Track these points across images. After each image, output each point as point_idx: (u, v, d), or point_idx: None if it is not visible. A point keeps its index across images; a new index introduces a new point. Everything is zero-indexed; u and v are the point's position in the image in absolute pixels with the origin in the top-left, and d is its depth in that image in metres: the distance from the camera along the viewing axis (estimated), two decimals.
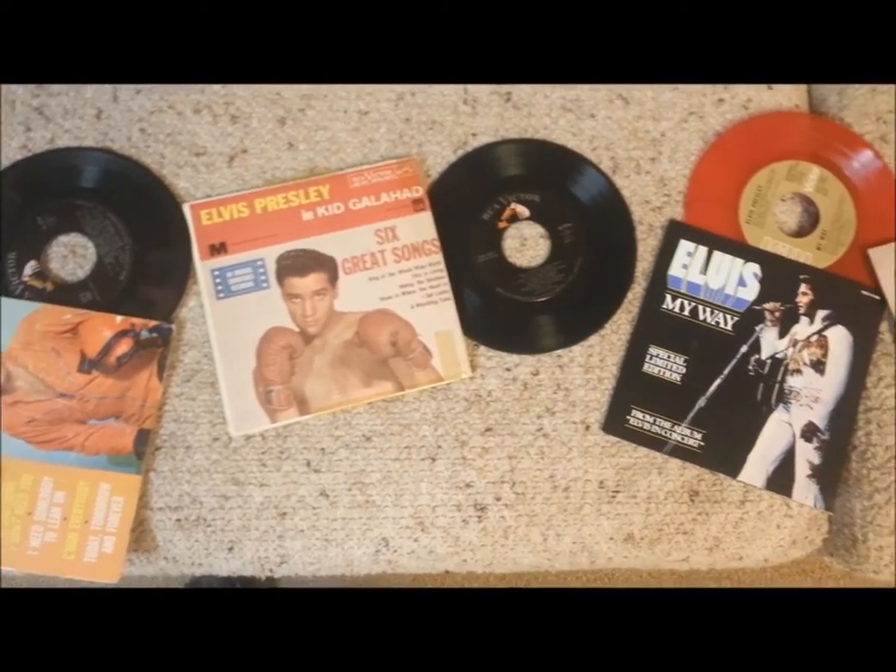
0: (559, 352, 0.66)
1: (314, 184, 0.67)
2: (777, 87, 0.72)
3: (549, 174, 0.69)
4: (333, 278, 0.65)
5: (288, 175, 0.68)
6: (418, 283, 0.65)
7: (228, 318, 0.64)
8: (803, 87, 0.74)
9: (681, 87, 0.72)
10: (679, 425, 0.65)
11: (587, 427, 0.66)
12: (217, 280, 0.65)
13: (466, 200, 0.68)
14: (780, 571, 1.18)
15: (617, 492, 0.65)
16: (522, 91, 0.71)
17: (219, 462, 0.64)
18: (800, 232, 0.70)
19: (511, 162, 0.69)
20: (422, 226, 0.66)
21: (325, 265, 0.65)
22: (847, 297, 0.67)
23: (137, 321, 0.64)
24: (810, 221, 0.70)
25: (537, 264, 0.68)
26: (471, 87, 0.70)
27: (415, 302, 0.65)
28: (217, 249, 0.65)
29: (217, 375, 0.64)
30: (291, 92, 0.70)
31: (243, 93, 0.69)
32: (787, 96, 0.72)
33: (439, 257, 0.66)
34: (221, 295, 0.64)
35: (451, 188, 0.68)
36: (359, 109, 0.70)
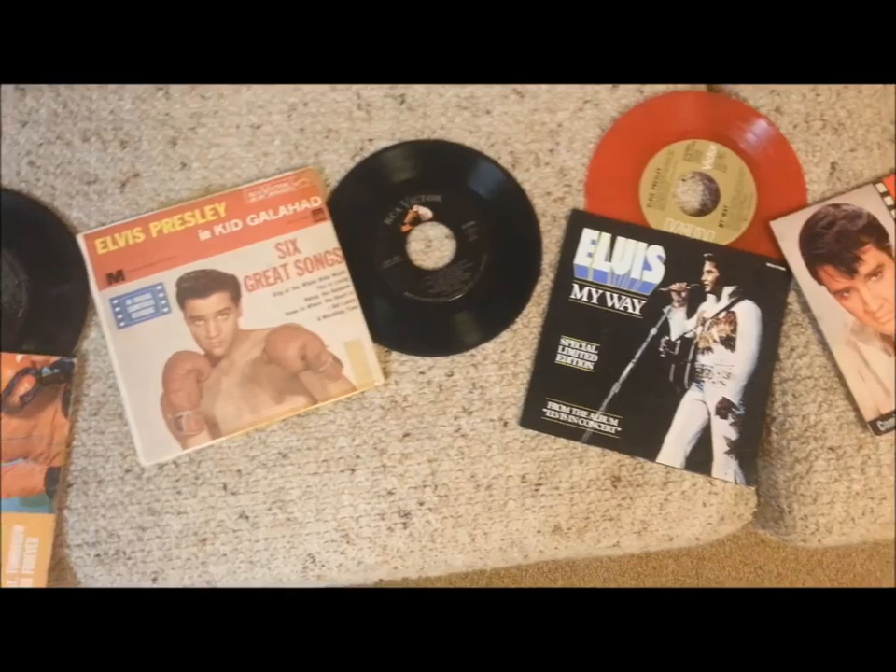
0: (472, 351, 0.66)
1: (209, 202, 0.66)
2: None
3: (448, 173, 0.69)
4: (236, 297, 0.64)
5: (184, 195, 0.67)
6: (323, 294, 0.65)
7: (130, 347, 0.63)
8: None
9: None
10: (596, 412, 0.65)
11: (505, 424, 0.65)
12: (117, 309, 0.63)
13: (367, 206, 0.68)
14: (732, 545, 1.20)
15: (540, 485, 0.65)
16: (416, 92, 0.70)
17: (133, 493, 0.63)
18: (703, 211, 0.70)
19: (409, 165, 0.69)
20: (323, 236, 0.66)
21: (226, 284, 0.64)
22: (752, 271, 0.68)
23: (38, 358, 0.63)
24: (712, 199, 0.70)
25: (443, 265, 0.68)
26: (365, 92, 0.70)
27: (322, 314, 0.64)
28: (115, 278, 0.64)
29: (124, 406, 0.62)
30: (181, 112, 0.68)
31: (130, 117, 0.68)
32: None
33: (342, 266, 0.65)
34: (122, 324, 0.63)
35: (350, 195, 0.68)
36: (252, 123, 0.69)
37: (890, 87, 0.72)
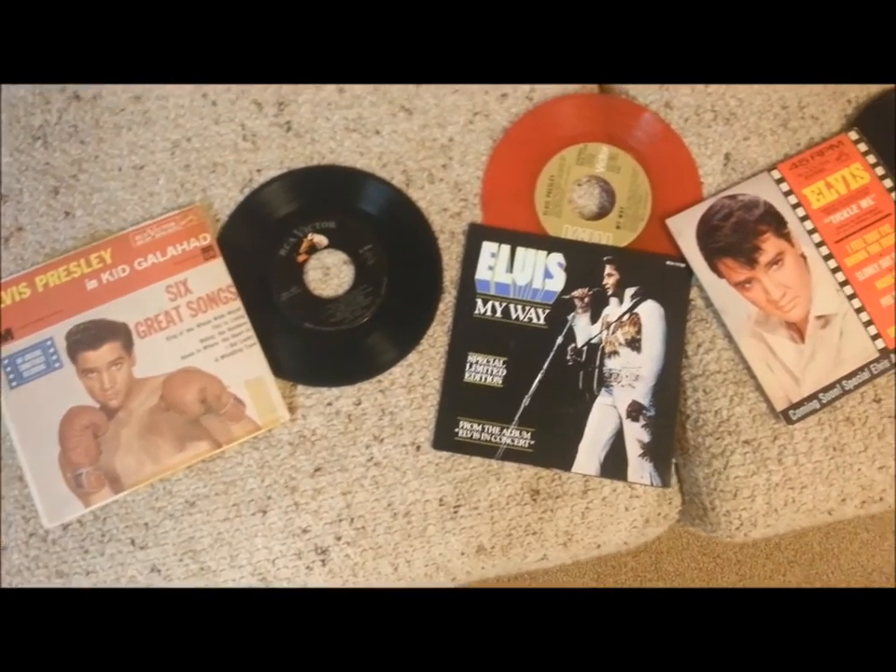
0: (379, 377, 0.65)
1: (95, 250, 0.64)
2: None
3: (340, 198, 0.68)
4: (128, 345, 0.62)
5: (69, 245, 0.65)
6: (220, 334, 0.63)
7: (24, 407, 0.61)
8: None
9: (462, 88, 0.71)
10: (508, 427, 0.65)
11: (418, 448, 0.64)
12: (8, 369, 0.62)
13: (259, 239, 0.66)
14: (690, 536, 1.20)
15: (458, 506, 0.64)
16: (301, 118, 0.69)
17: (39, 557, 0.61)
18: (602, 214, 0.70)
19: (299, 193, 0.68)
20: (215, 274, 0.64)
21: (117, 333, 0.62)
22: (652, 270, 0.67)
23: None
24: (609, 201, 0.70)
25: (343, 292, 0.66)
26: (249, 122, 0.69)
27: (220, 354, 0.63)
28: (3, 337, 0.62)
29: (23, 468, 0.60)
30: (61, 160, 0.67)
31: (9, 170, 0.66)
32: None
33: (237, 303, 0.64)
34: (14, 384, 0.61)
35: (241, 229, 0.66)
36: (134, 164, 0.67)
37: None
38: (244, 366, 0.63)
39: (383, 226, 0.67)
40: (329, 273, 0.67)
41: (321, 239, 0.67)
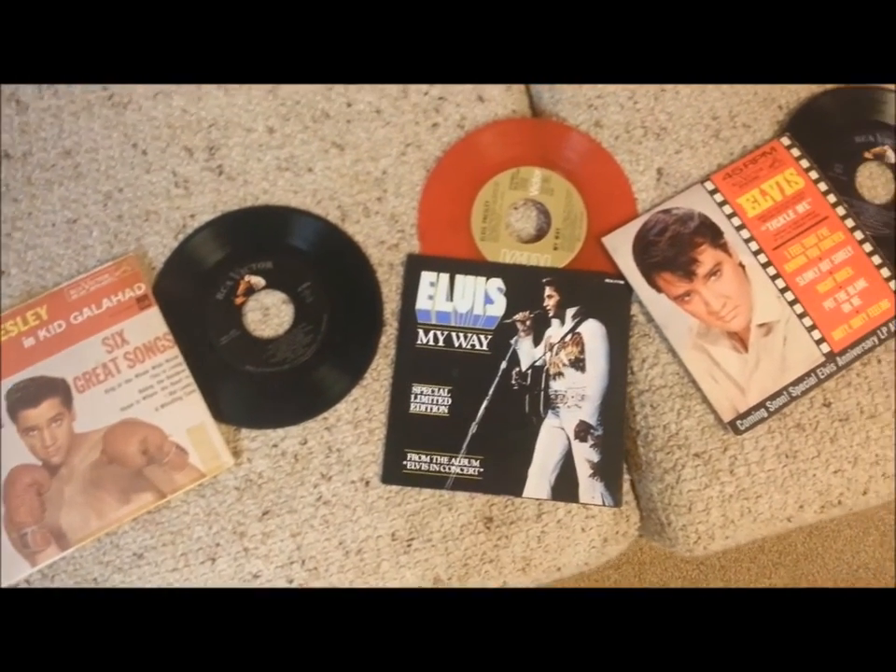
0: (324, 414, 0.65)
1: (30, 308, 0.64)
2: (490, 97, 0.73)
3: (276, 237, 0.68)
4: (67, 400, 0.62)
5: (6, 303, 0.65)
6: (158, 383, 0.63)
7: None
8: (519, 91, 0.75)
9: (393, 120, 0.71)
10: (456, 457, 0.64)
11: (367, 483, 0.64)
12: None
13: (195, 284, 0.66)
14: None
15: (412, 540, 0.64)
16: (233, 161, 0.69)
17: None
18: (539, 236, 0.70)
19: (234, 235, 0.68)
20: (151, 323, 0.64)
21: (56, 389, 0.62)
22: (592, 289, 0.67)
23: None
24: (547, 223, 0.70)
25: (283, 331, 0.66)
26: (181, 168, 0.69)
27: (160, 403, 0.63)
28: None
29: None
30: None
31: None
32: (502, 104, 0.73)
33: (175, 351, 0.64)
34: None
35: (176, 276, 0.66)
36: (67, 218, 0.67)
37: (709, 85, 0.73)
38: (184, 414, 0.62)
39: (320, 263, 0.67)
40: (269, 313, 0.67)
41: (258, 280, 0.67)
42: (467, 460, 0.64)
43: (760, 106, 0.72)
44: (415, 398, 0.65)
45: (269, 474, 0.64)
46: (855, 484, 0.66)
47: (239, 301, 0.66)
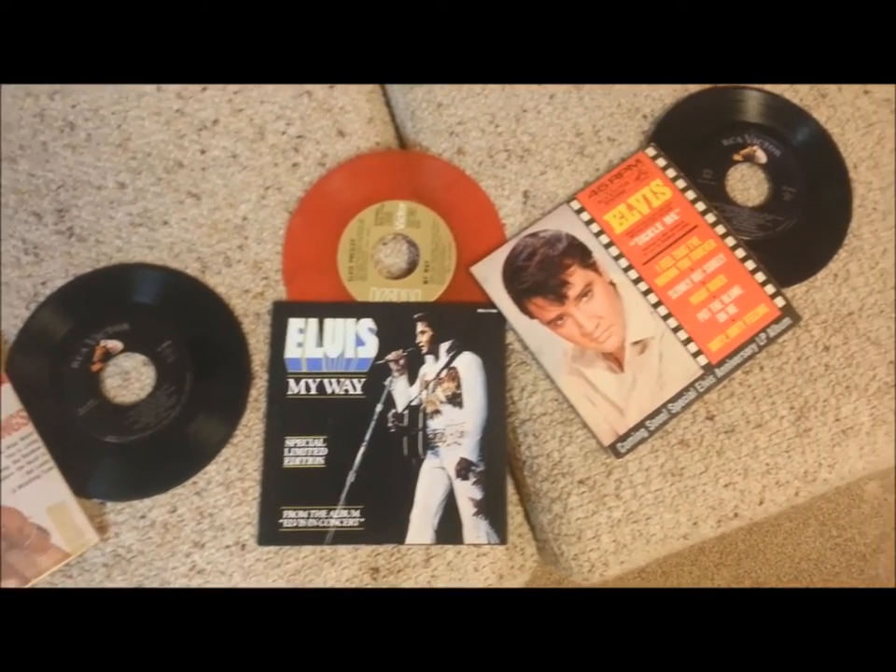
0: (193, 478, 0.62)
1: None
2: (351, 131, 0.71)
3: (131, 297, 0.65)
4: None
5: None
6: (14, 463, 0.60)
7: None
8: (383, 122, 0.73)
9: (251, 164, 0.69)
10: (335, 509, 0.62)
11: (243, 547, 0.61)
12: None
13: (49, 355, 0.63)
14: None
15: None
16: (84, 221, 0.66)
17: None
18: (411, 269, 0.68)
19: (87, 299, 0.65)
20: (4, 401, 0.61)
21: None
22: (465, 321, 0.66)
23: None
24: (418, 256, 0.68)
25: (146, 395, 0.63)
26: (29, 234, 0.66)
27: (17, 484, 0.60)
28: None
29: None
30: None
31: None
32: (364, 138, 0.71)
33: (29, 428, 0.61)
34: None
35: (29, 348, 0.63)
36: None
37: (570, 101, 0.72)
38: (44, 493, 0.60)
39: (180, 319, 0.65)
40: (128, 377, 0.64)
41: (115, 344, 0.64)
42: (346, 511, 0.62)
43: (624, 118, 0.71)
44: (289, 451, 0.63)
45: (138, 547, 0.61)
46: (749, 496, 0.65)
47: (96, 367, 0.63)
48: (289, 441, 0.63)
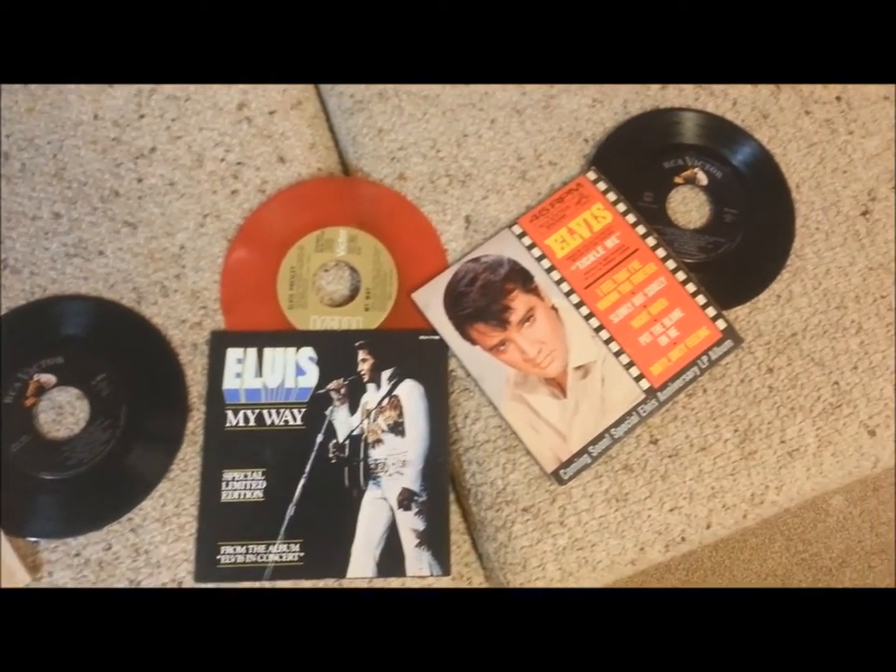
0: (128, 515, 0.61)
1: None
2: (292, 157, 0.70)
3: (65, 329, 0.64)
4: None
5: None
6: None
7: None
8: (325, 148, 0.73)
9: (189, 192, 0.68)
10: (274, 544, 0.61)
11: (180, 584, 0.60)
12: None
13: None
14: None
15: None
16: (18, 252, 0.65)
17: None
18: (353, 297, 0.67)
19: (19, 332, 0.63)
20: None
21: None
22: (407, 348, 0.65)
23: None
24: (360, 283, 0.67)
25: (80, 430, 0.62)
26: None
27: None
28: None
29: None
30: None
31: None
32: (305, 164, 0.70)
33: None
34: None
35: None
36: None
37: (512, 126, 0.72)
38: None
39: (115, 351, 0.64)
40: (62, 412, 0.63)
41: (49, 378, 0.63)
42: (286, 546, 0.61)
43: (565, 142, 0.71)
44: (227, 485, 0.62)
45: (72, 586, 0.59)
46: (695, 520, 0.64)
47: (29, 402, 0.62)
48: (227, 475, 0.62)
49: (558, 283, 0.66)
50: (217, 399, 0.63)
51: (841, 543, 1.26)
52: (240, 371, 0.64)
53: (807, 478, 0.66)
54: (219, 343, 0.65)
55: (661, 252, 0.67)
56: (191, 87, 0.70)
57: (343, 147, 0.73)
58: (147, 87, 0.70)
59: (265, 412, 0.63)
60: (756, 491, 0.65)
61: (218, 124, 0.70)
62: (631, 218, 0.68)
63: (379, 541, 0.61)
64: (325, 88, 0.75)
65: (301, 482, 0.62)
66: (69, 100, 0.70)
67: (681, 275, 0.66)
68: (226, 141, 0.69)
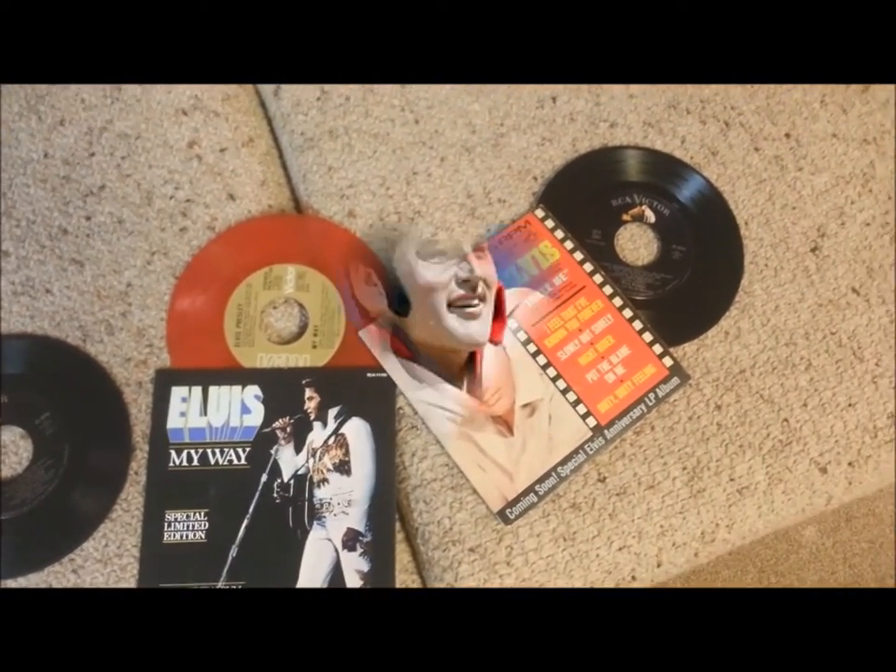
0: (70, 555, 0.60)
1: None
2: (242, 194, 0.70)
3: (7, 368, 0.63)
4: None
5: None
6: None
7: None
8: (276, 184, 0.73)
9: (137, 229, 0.68)
10: (216, 585, 0.60)
11: None
12: None
13: None
14: None
15: None
16: None
17: None
18: (301, 334, 0.67)
19: None
20: None
21: None
22: (354, 386, 0.65)
23: None
24: (308, 320, 0.67)
25: (22, 470, 0.61)
26: None
27: None
28: None
29: None
30: None
31: None
32: (255, 201, 0.71)
33: None
34: None
35: None
36: None
37: (461, 163, 0.72)
38: None
39: (58, 390, 0.63)
40: (5, 451, 0.62)
41: None
42: (227, 587, 0.60)
43: (515, 180, 0.72)
44: (169, 525, 0.61)
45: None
46: (645, 559, 0.64)
47: None
48: (169, 516, 0.61)
49: None
50: (160, 439, 0.63)
51: (814, 575, 1.25)
52: (184, 409, 0.63)
53: (759, 515, 0.66)
54: (164, 382, 0.64)
55: (608, 289, 0.67)
56: (142, 125, 0.71)
57: (295, 183, 0.73)
58: (97, 125, 0.70)
59: (209, 451, 0.63)
60: (706, 529, 0.65)
61: (168, 162, 0.70)
62: (579, 256, 0.68)
63: (323, 583, 0.60)
64: (277, 125, 0.75)
65: (245, 522, 0.61)
66: (20, 138, 0.70)
67: (628, 312, 0.66)
68: (175, 178, 0.70)
